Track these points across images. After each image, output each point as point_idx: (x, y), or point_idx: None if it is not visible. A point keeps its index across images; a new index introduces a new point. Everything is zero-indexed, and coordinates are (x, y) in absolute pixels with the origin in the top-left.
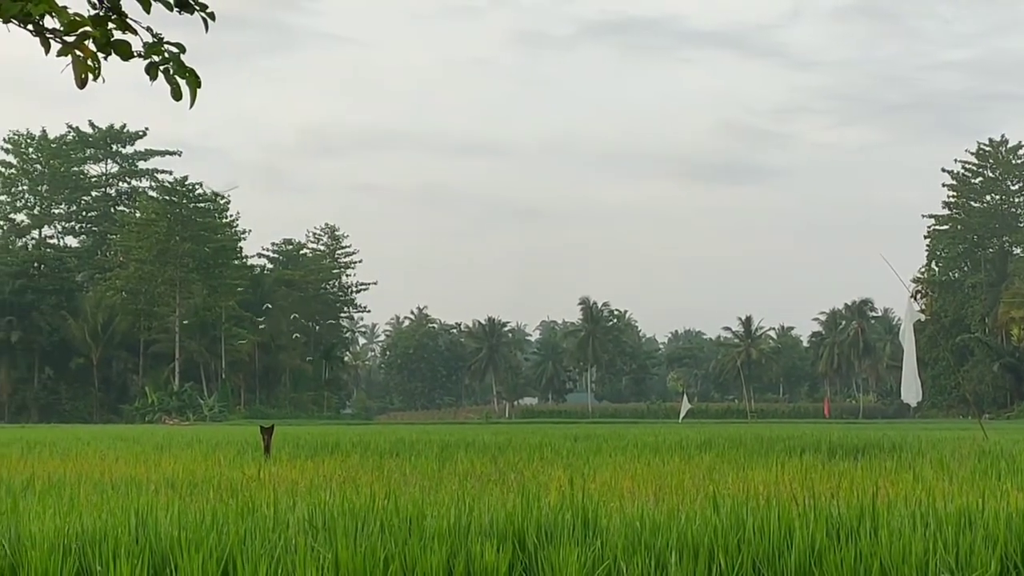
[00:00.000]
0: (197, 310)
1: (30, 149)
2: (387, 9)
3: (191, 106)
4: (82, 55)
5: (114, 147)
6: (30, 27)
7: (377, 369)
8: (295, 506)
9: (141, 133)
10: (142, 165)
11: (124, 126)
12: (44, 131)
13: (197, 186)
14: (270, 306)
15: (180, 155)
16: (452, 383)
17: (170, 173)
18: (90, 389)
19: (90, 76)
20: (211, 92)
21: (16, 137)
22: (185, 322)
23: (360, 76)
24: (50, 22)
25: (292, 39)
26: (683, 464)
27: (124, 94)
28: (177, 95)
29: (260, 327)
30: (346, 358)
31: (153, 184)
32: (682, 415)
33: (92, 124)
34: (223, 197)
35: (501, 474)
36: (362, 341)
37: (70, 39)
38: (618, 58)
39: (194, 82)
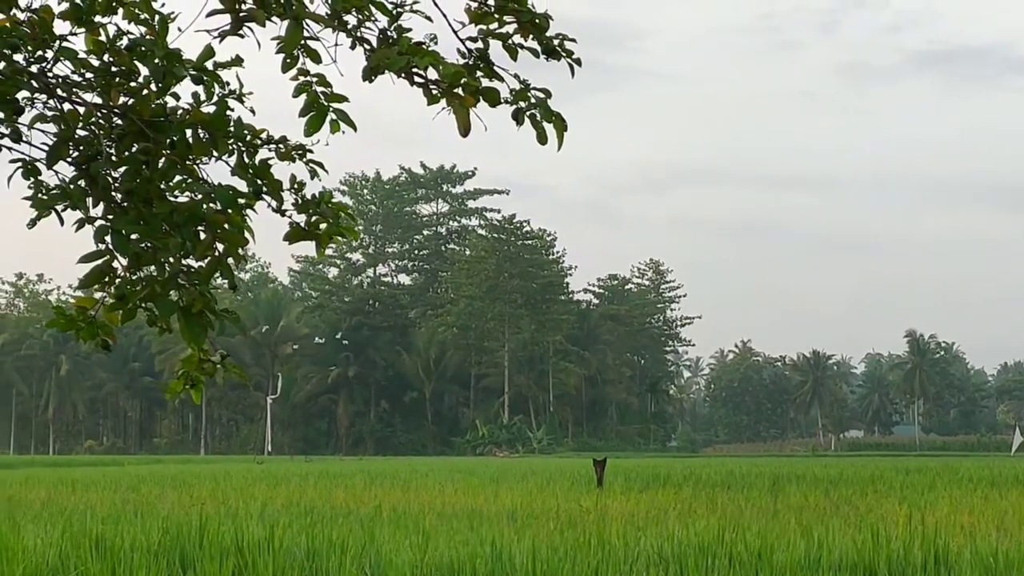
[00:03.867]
0: (525, 345)
1: (365, 190)
2: (710, 46)
3: (558, 149)
4: (463, 104)
5: (444, 187)
6: (406, 77)
7: (702, 402)
8: (640, 539)
9: (470, 173)
10: (471, 204)
11: (454, 166)
12: (378, 173)
13: (525, 223)
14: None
15: (508, 194)
16: (777, 416)
17: (498, 211)
18: (423, 422)
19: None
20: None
21: (352, 179)
22: (518, 355)
23: (685, 112)
24: (432, 74)
25: (617, 77)
26: (1023, 498)
27: (451, 135)
28: (543, 139)
29: (586, 361)
30: (671, 391)
31: (482, 222)
32: (1014, 448)
33: (424, 165)
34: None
35: (835, 507)
36: (687, 375)
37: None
38: (944, 88)
39: (560, 126)
